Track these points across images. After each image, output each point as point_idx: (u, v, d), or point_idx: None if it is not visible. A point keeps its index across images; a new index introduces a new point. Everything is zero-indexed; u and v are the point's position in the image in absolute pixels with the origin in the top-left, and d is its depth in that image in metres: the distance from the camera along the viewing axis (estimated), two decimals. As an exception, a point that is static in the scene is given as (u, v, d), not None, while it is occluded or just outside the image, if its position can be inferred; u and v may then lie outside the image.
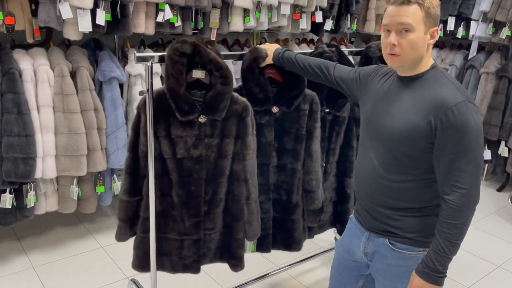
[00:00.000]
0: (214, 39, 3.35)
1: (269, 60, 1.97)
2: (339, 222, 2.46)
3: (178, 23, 3.05)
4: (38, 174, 2.58)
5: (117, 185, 3.00)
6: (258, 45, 2.01)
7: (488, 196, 4.15)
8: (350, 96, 1.78)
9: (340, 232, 2.48)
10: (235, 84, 2.27)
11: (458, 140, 1.33)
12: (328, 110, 2.22)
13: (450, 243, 1.36)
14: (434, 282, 1.40)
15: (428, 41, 1.41)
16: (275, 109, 2.03)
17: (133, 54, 2.99)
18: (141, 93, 1.77)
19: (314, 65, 1.86)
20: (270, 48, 1.98)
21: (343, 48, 2.31)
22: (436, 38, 1.43)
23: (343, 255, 1.72)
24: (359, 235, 1.63)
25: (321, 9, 3.82)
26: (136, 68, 2.91)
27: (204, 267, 2.04)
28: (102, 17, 2.62)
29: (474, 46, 4.25)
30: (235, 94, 1.88)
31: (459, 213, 1.35)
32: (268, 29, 3.72)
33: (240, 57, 2.07)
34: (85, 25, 2.57)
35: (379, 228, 1.55)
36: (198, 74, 1.87)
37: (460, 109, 1.32)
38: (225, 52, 2.94)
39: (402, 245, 1.50)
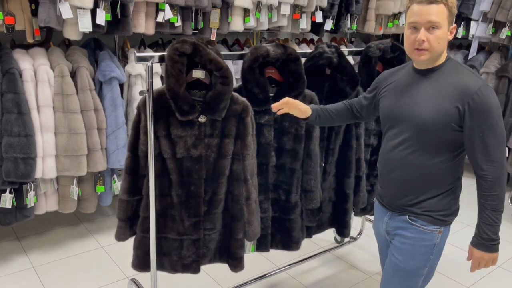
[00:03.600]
0: (214, 39, 3.35)
1: (307, 110, 1.86)
2: (337, 222, 2.46)
3: (178, 23, 3.05)
4: (38, 174, 2.58)
5: (117, 185, 3.00)
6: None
7: (488, 196, 4.15)
8: (376, 115, 1.86)
9: (338, 232, 2.49)
10: (235, 84, 2.27)
11: (485, 118, 1.48)
12: (328, 110, 2.22)
13: (496, 212, 1.52)
14: (491, 250, 1.56)
15: (448, 37, 1.55)
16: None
17: (133, 54, 2.99)
18: (141, 93, 1.78)
19: (341, 113, 1.90)
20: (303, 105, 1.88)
21: (343, 48, 2.31)
22: (454, 34, 1.57)
23: (377, 235, 1.90)
24: (382, 216, 1.77)
25: (321, 9, 3.82)
26: (136, 68, 2.91)
27: (204, 267, 2.04)
28: (102, 17, 2.62)
29: (474, 46, 4.25)
30: (235, 94, 1.88)
31: (498, 184, 1.51)
32: (268, 29, 3.72)
33: (240, 57, 2.07)
34: (85, 25, 2.57)
35: (401, 208, 1.67)
36: (198, 74, 1.87)
37: (484, 92, 1.48)
38: (225, 52, 2.94)
39: (421, 222, 1.63)
